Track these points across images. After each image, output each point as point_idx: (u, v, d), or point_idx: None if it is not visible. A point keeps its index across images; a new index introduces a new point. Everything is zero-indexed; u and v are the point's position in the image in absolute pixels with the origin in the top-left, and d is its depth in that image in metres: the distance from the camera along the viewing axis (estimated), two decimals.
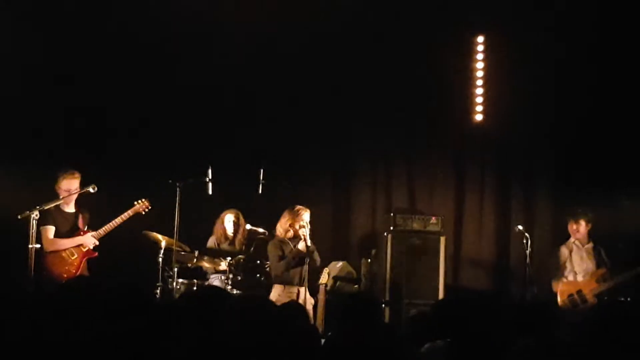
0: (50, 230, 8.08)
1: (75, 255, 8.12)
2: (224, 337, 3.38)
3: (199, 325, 3.55)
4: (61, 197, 8.11)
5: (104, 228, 8.25)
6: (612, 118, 9.57)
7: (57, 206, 8.13)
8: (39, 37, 9.04)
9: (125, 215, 8.27)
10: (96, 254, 8.24)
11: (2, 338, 3.50)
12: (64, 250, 8.10)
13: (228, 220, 8.99)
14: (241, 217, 9.00)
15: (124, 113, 9.41)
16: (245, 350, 3.27)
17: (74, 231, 8.23)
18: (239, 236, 8.96)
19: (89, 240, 8.19)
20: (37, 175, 8.55)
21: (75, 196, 8.20)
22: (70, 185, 8.13)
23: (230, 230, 8.98)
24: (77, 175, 8.19)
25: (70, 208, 8.29)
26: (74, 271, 8.06)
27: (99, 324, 3.40)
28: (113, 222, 8.26)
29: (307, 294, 8.01)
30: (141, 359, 3.23)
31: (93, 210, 8.43)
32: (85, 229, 8.28)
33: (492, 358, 3.85)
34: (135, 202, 8.32)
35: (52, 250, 8.04)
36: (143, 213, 8.34)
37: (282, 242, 8.23)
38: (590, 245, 8.91)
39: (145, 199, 8.34)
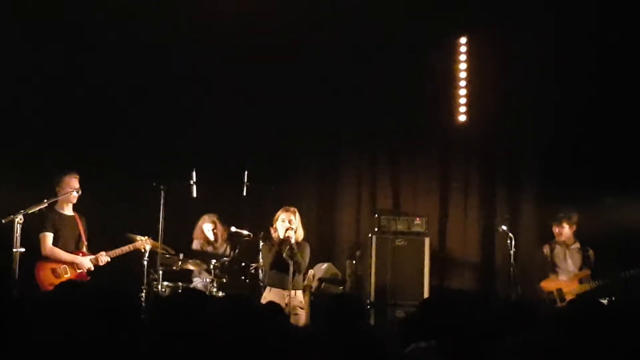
0: (49, 237, 8.05)
1: (69, 274, 8.02)
2: (206, 339, 3.38)
3: (179, 327, 3.54)
4: (63, 195, 8.05)
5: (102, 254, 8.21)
6: (596, 117, 9.60)
7: (55, 209, 8.13)
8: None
9: (126, 249, 8.25)
10: (88, 278, 8.10)
11: None
12: (59, 264, 8.05)
13: (207, 229, 9.03)
14: (218, 221, 9.02)
15: (108, 115, 9.40)
16: (226, 351, 3.27)
17: (77, 241, 8.21)
18: (220, 239, 8.99)
19: (86, 263, 8.14)
20: (21, 179, 8.54)
21: (74, 199, 8.15)
22: (75, 184, 8.12)
23: (211, 237, 9.03)
24: (77, 175, 8.18)
25: (69, 211, 8.26)
26: None
27: (82, 328, 3.39)
28: (112, 252, 8.23)
29: (301, 296, 7.87)
30: None
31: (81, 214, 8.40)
32: (86, 242, 8.24)
33: (480, 358, 3.85)
34: (139, 238, 8.24)
35: (49, 256, 8.02)
36: (142, 250, 8.21)
37: (273, 244, 8.03)
38: (577, 245, 8.90)
39: (148, 236, 8.23)
